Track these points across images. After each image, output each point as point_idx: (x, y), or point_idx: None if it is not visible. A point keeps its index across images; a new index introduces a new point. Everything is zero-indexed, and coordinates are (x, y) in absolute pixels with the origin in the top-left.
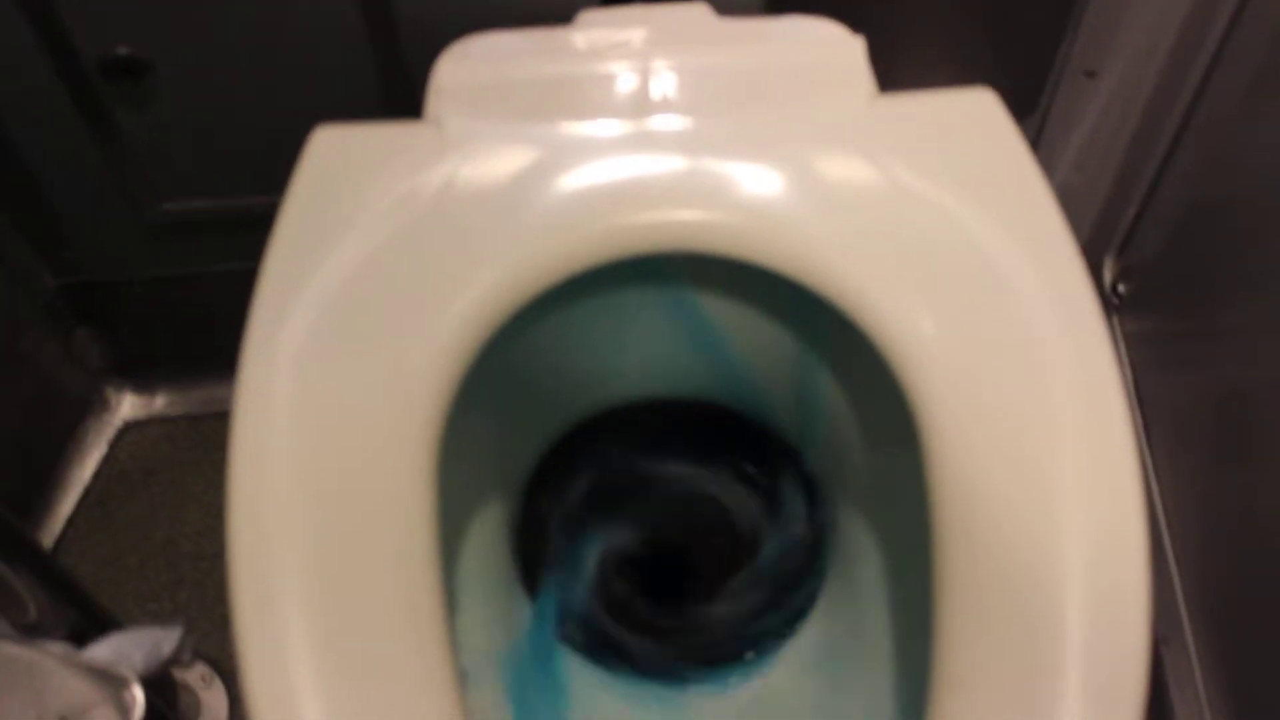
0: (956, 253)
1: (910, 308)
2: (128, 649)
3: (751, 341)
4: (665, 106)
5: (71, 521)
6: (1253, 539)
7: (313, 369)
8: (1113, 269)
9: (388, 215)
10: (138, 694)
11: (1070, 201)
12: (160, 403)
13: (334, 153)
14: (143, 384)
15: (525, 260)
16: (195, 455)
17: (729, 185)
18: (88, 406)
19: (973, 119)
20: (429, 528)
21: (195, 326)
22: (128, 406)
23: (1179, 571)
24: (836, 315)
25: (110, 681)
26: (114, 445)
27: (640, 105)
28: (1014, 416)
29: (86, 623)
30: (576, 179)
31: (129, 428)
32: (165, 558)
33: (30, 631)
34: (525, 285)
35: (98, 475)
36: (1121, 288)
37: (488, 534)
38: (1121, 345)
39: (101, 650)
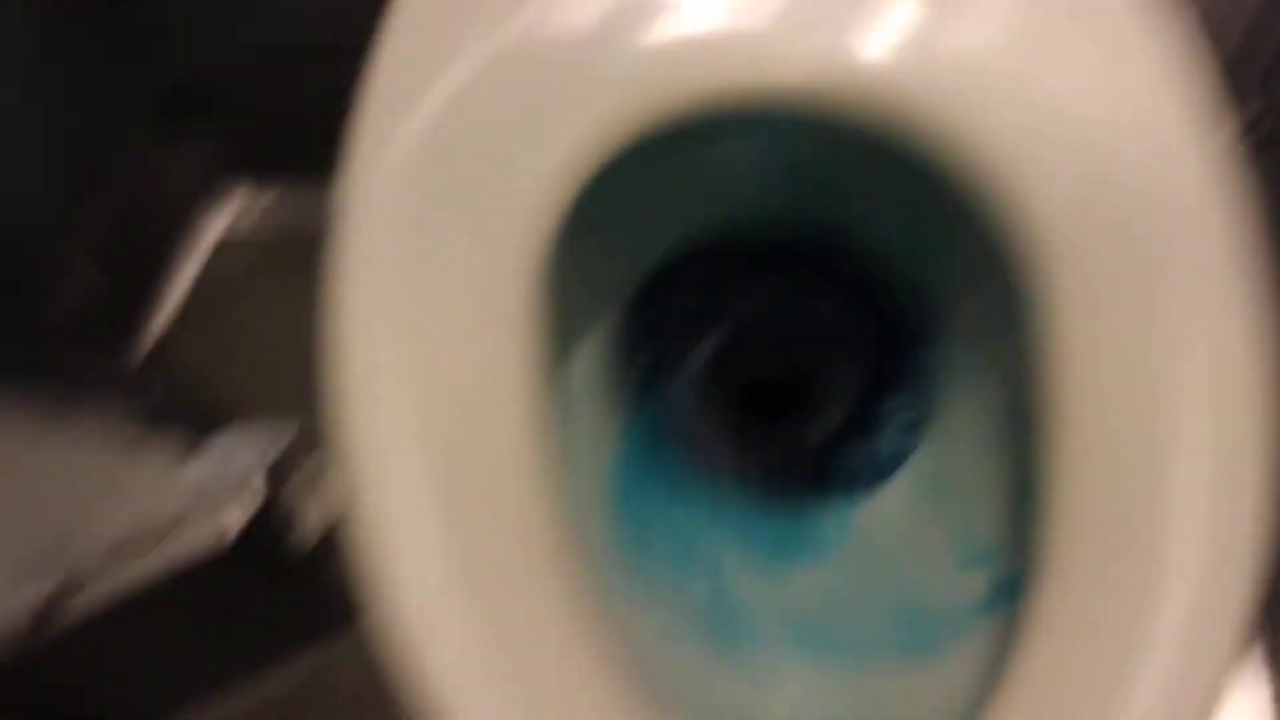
0: (1084, 117)
1: (1040, 173)
2: (235, 450)
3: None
4: None
5: (181, 319)
6: None
7: (418, 199)
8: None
9: (491, 46)
10: (234, 513)
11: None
12: (270, 205)
13: None
14: (253, 185)
15: (623, 106)
16: (304, 249)
17: (844, 37)
18: (195, 206)
19: None
20: (532, 354)
21: (304, 133)
22: (236, 207)
23: None
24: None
25: (213, 491)
26: (220, 249)
27: None
28: (1141, 265)
29: (198, 420)
30: (685, 20)
31: (237, 231)
32: (279, 353)
33: (142, 430)
34: (623, 129)
35: (207, 270)
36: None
37: (597, 349)
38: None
39: (214, 449)
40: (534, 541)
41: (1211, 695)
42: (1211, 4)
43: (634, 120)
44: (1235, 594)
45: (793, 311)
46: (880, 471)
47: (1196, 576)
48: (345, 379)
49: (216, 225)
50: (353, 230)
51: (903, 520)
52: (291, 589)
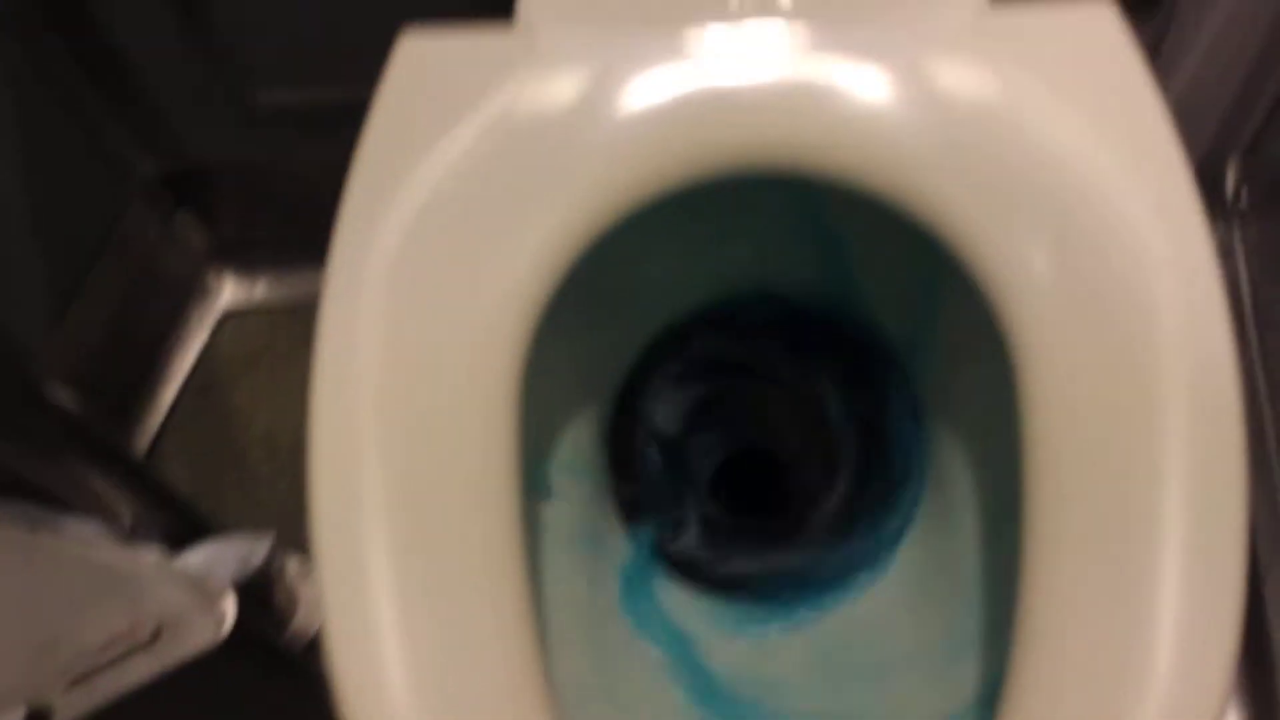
0: (1064, 181)
1: (1018, 243)
2: (220, 558)
3: (870, 248)
4: (766, 9)
5: (173, 410)
6: None
7: (398, 283)
8: (1236, 174)
9: (475, 128)
10: (229, 605)
11: (1196, 100)
12: (261, 290)
13: (422, 61)
14: (244, 271)
15: (611, 179)
16: (296, 346)
17: (831, 99)
18: (189, 293)
19: (1089, 34)
20: (511, 453)
21: (295, 216)
22: (229, 294)
23: None
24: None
25: (204, 590)
26: (215, 333)
27: (742, 7)
28: (1116, 361)
29: (181, 529)
30: (670, 90)
31: (230, 316)
32: (265, 449)
33: (125, 538)
34: (612, 204)
35: (199, 363)
36: (1245, 194)
37: (582, 447)
38: (1240, 256)
39: (194, 558)
40: (508, 656)
41: None
42: (1195, 83)
43: (621, 193)
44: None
45: (783, 393)
46: (873, 562)
47: (1184, 635)
48: (321, 479)
49: (208, 318)
50: (335, 322)
51: (889, 617)
52: (285, 687)
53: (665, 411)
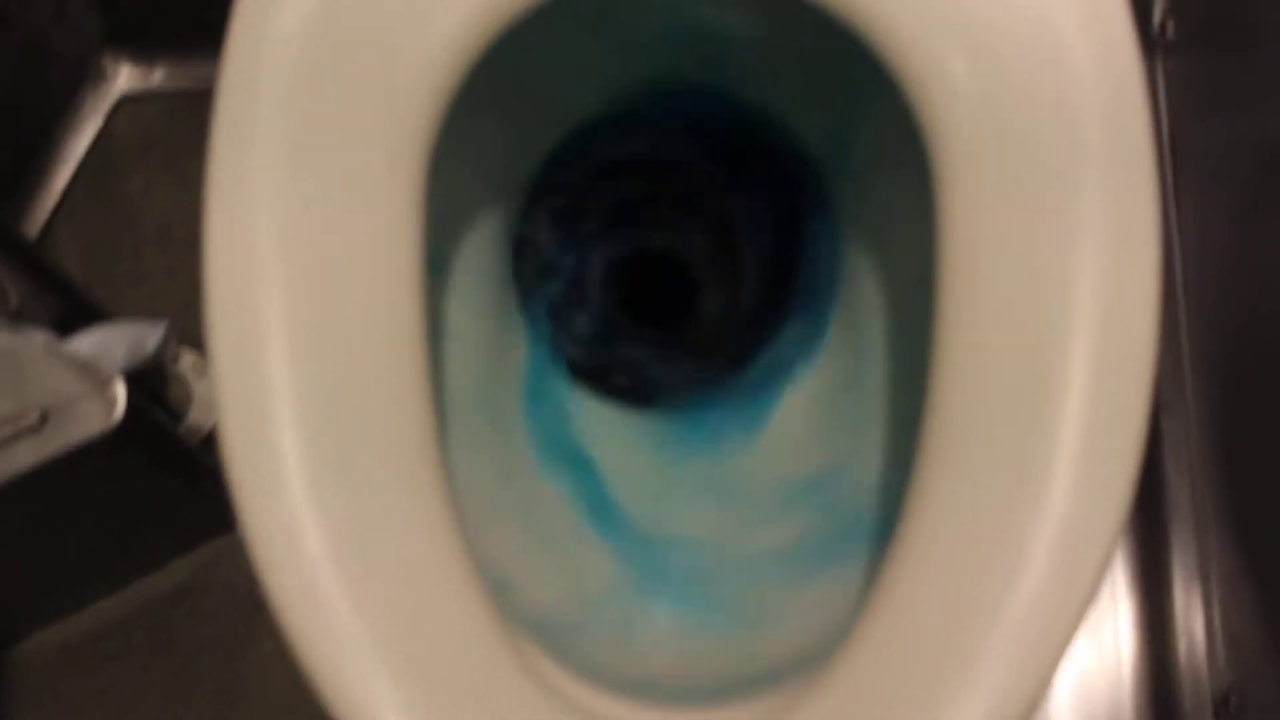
0: (996, 13)
1: (942, 47)
2: (111, 343)
3: (787, 50)
4: None
5: (66, 195)
6: (1271, 304)
7: (299, 71)
8: (1162, 6)
9: None
10: (120, 389)
11: None
12: (158, 76)
13: None
14: (140, 55)
15: None
16: (194, 134)
17: None
18: (83, 75)
19: None
20: (415, 252)
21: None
22: (125, 78)
23: (1189, 334)
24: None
25: (93, 375)
26: (110, 118)
27: None
28: (1035, 171)
29: (71, 313)
30: None
31: (126, 100)
32: (159, 240)
33: (11, 319)
34: None
35: (93, 148)
36: (1170, 27)
37: (488, 248)
38: (1161, 87)
39: (84, 343)
40: (403, 439)
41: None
42: None
43: None
44: (1114, 500)
45: (693, 198)
46: (777, 373)
47: (1077, 485)
48: (216, 264)
49: (103, 103)
50: (231, 107)
51: (804, 428)
52: (176, 483)
53: (570, 215)
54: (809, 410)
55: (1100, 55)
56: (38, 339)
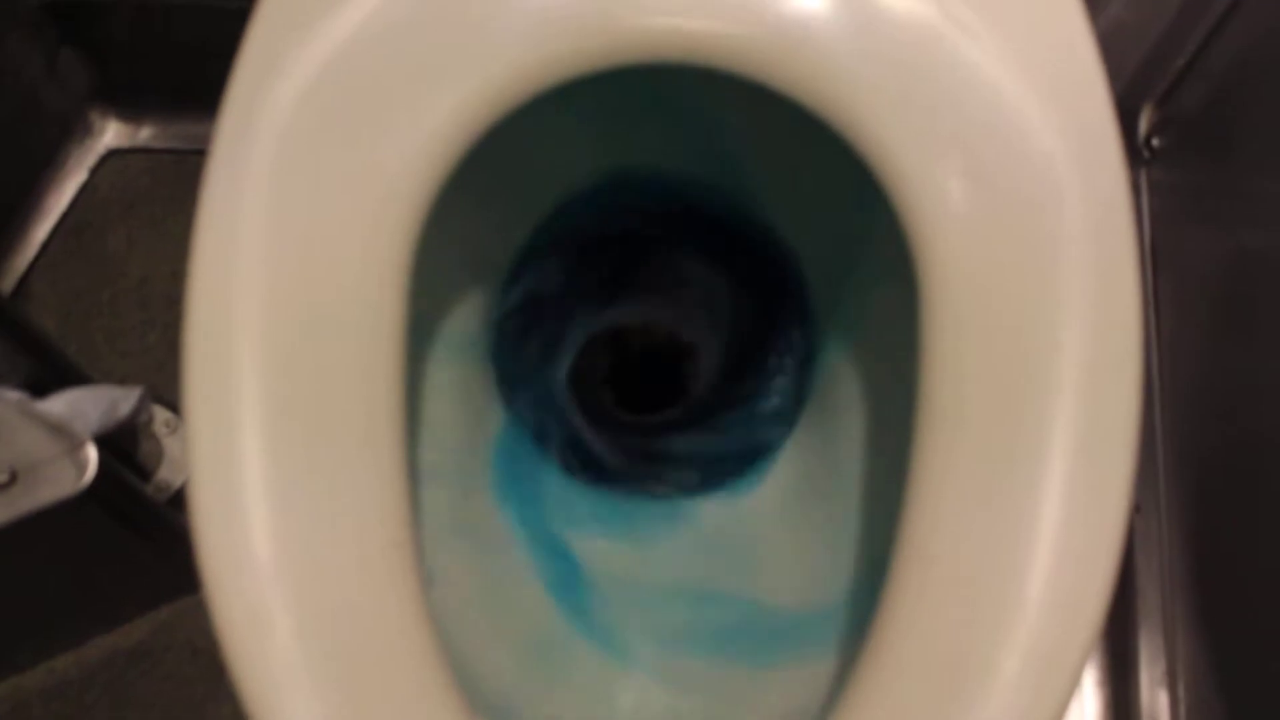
0: (988, 105)
1: (935, 164)
2: (85, 405)
3: (776, 147)
4: None
5: (45, 249)
6: (1246, 414)
7: (291, 149)
8: (1149, 118)
9: None
10: (91, 453)
11: (1118, 40)
12: (145, 133)
13: None
14: (129, 112)
15: (525, 59)
16: (177, 192)
17: None
18: (70, 130)
19: None
20: (397, 325)
21: (186, 59)
22: (111, 134)
23: (1164, 437)
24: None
25: (65, 437)
26: (95, 173)
27: None
28: (1022, 289)
29: (45, 373)
30: None
31: (111, 156)
32: (138, 296)
33: None
34: (523, 85)
35: (75, 202)
36: (1155, 141)
37: (468, 328)
38: (1145, 196)
39: (57, 404)
40: (378, 526)
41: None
42: (1117, 26)
43: (534, 74)
44: (1087, 619)
45: (675, 283)
46: (751, 459)
47: (1050, 604)
48: (196, 333)
49: (88, 157)
50: (220, 185)
51: (773, 517)
52: (142, 543)
53: (551, 292)
54: (780, 500)
55: (1089, 182)
56: (10, 398)
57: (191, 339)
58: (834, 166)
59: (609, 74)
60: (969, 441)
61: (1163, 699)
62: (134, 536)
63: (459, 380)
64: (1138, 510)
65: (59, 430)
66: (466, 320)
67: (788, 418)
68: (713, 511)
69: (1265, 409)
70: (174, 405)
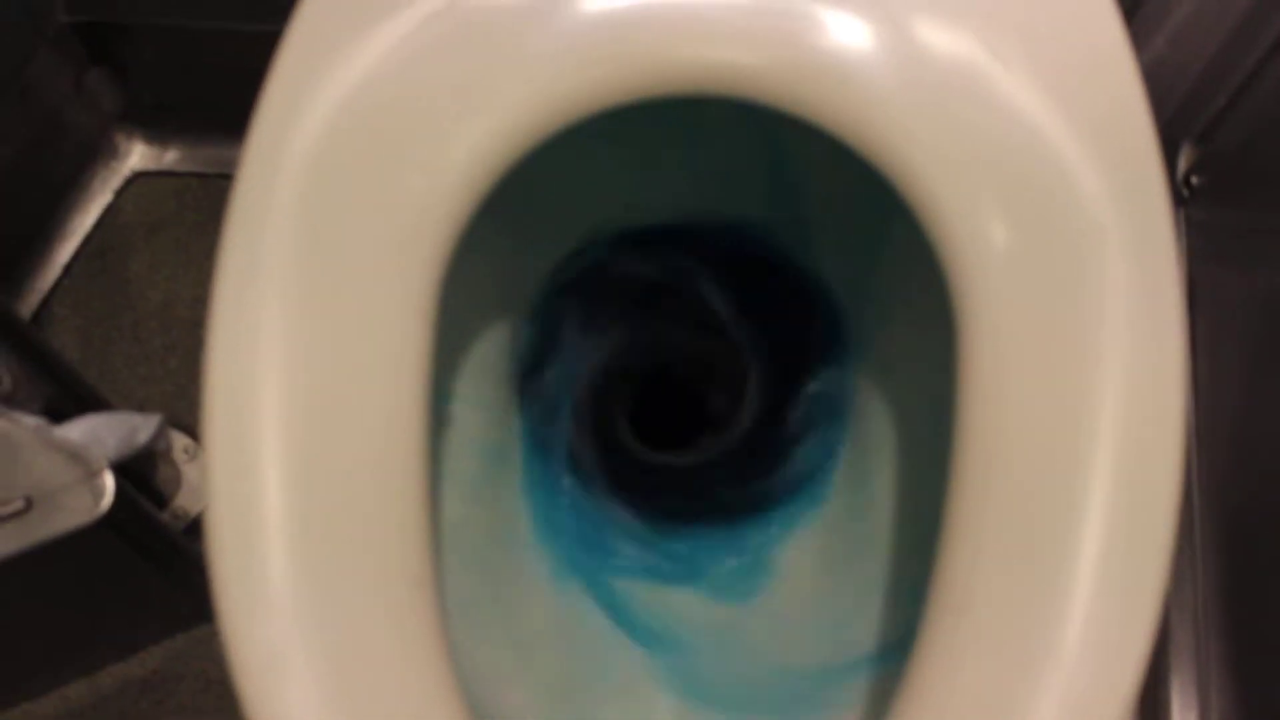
0: (1033, 149)
1: (978, 208)
2: (103, 432)
3: (821, 187)
4: None
5: (68, 271)
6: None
7: (318, 176)
8: (1189, 158)
9: (418, 13)
10: (108, 481)
11: (1158, 77)
12: (171, 156)
13: None
14: (155, 134)
15: (559, 87)
16: (202, 216)
17: (806, 31)
18: (96, 151)
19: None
20: (422, 364)
21: (213, 82)
22: (137, 156)
23: (1200, 479)
24: None
25: (82, 463)
26: (120, 195)
27: None
28: (1060, 343)
29: (63, 398)
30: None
31: (137, 178)
32: (160, 320)
33: (2, 404)
34: (557, 113)
35: (100, 224)
36: (1195, 179)
37: (494, 359)
38: (1183, 235)
39: (75, 430)
40: (397, 565)
41: None
42: (1158, 63)
43: (568, 103)
44: (1128, 668)
45: (704, 321)
46: (787, 502)
47: (1090, 650)
48: (217, 364)
49: (113, 180)
50: (246, 212)
51: (807, 570)
52: (157, 572)
53: (583, 331)
54: (813, 546)
55: (1133, 224)
56: (29, 424)
57: (212, 366)
58: (865, 203)
59: (644, 105)
60: (1006, 490)
61: None
62: (150, 565)
63: (484, 408)
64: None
65: (76, 457)
66: (492, 349)
67: (824, 466)
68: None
69: None
70: (194, 431)
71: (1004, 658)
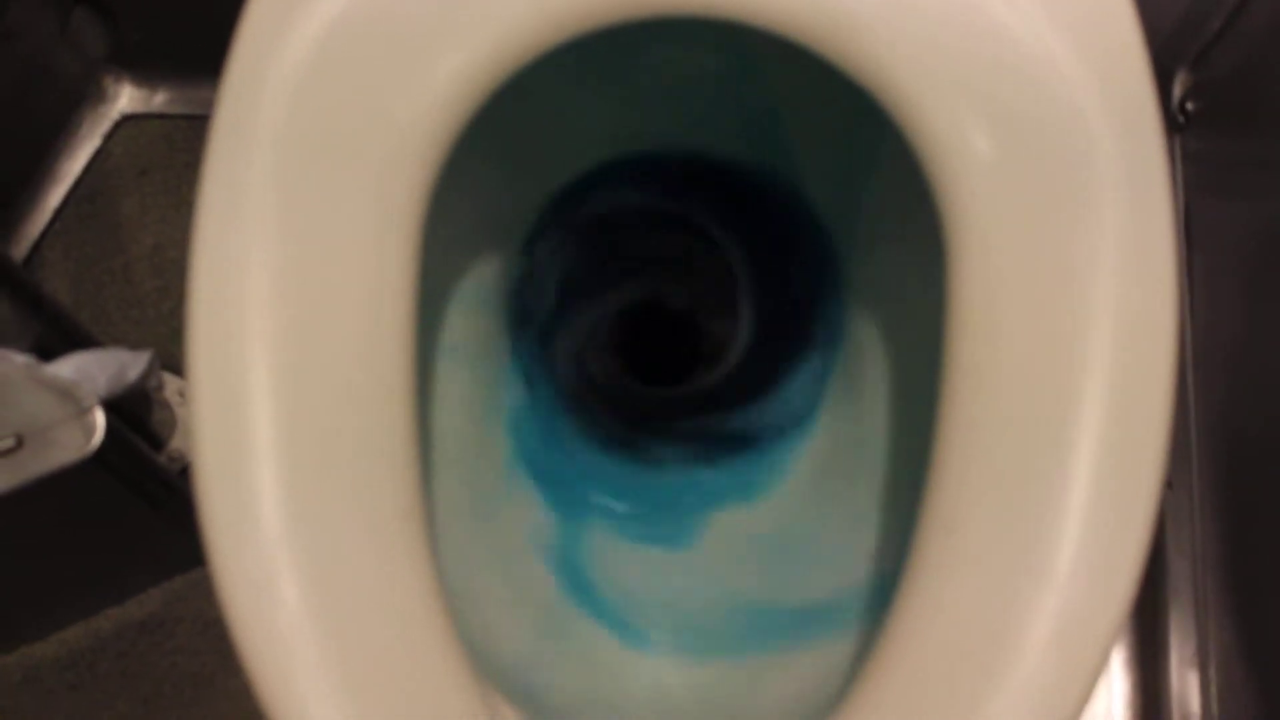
0: (1020, 61)
1: (963, 119)
2: (93, 369)
3: (804, 110)
4: None
5: (58, 215)
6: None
7: (299, 105)
8: (1184, 84)
9: None
10: (99, 417)
11: (1151, 6)
12: (160, 98)
13: None
14: (143, 76)
15: (535, 8)
16: (192, 158)
17: None
18: (83, 94)
19: None
20: (408, 294)
21: (202, 22)
22: (126, 99)
23: (1197, 412)
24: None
25: (73, 400)
26: (109, 138)
27: None
28: (1051, 249)
29: (54, 337)
30: None
31: (125, 121)
32: (151, 264)
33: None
34: (536, 35)
35: (89, 168)
36: (1190, 105)
37: (482, 295)
38: (1179, 164)
39: (65, 368)
40: (386, 486)
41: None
42: None
43: (548, 24)
44: (1119, 591)
45: (694, 253)
46: (776, 440)
47: (1082, 569)
48: (201, 291)
49: (102, 123)
50: (229, 133)
51: (797, 502)
52: (153, 513)
53: (572, 262)
54: (806, 474)
55: (1123, 138)
56: (18, 361)
57: (196, 292)
58: (852, 123)
59: (627, 35)
60: (997, 408)
61: (1193, 679)
62: (145, 505)
63: (474, 340)
64: (1169, 486)
65: (67, 394)
66: (482, 281)
67: (813, 399)
68: (735, 504)
69: None
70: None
71: (995, 575)
